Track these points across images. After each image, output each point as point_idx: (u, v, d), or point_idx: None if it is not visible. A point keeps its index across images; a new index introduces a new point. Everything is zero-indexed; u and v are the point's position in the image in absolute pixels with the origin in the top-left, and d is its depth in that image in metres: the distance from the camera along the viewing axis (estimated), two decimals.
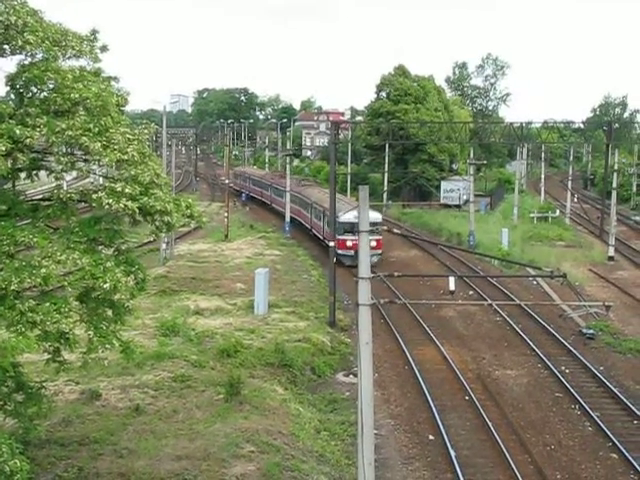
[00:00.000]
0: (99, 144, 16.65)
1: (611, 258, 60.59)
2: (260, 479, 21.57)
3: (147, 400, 26.81)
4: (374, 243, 50.11)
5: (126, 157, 17.03)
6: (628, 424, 28.45)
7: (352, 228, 51.65)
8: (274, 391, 28.92)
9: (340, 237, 52.32)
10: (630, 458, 25.18)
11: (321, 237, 65.28)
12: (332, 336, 37.51)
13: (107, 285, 16.33)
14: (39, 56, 17.53)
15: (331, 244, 41.41)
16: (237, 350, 32.06)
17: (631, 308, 45.45)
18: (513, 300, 44.78)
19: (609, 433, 27.08)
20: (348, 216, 53.78)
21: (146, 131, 18.45)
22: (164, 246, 54.04)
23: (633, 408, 29.38)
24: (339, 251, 50.63)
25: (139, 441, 23.29)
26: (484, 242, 63.33)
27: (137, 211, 17.08)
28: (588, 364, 34.31)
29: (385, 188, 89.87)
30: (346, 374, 32.80)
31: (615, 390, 31.28)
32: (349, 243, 54.42)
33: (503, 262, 55.23)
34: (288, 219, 72.36)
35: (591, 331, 39.54)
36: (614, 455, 25.74)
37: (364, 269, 17.16)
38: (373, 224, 53.95)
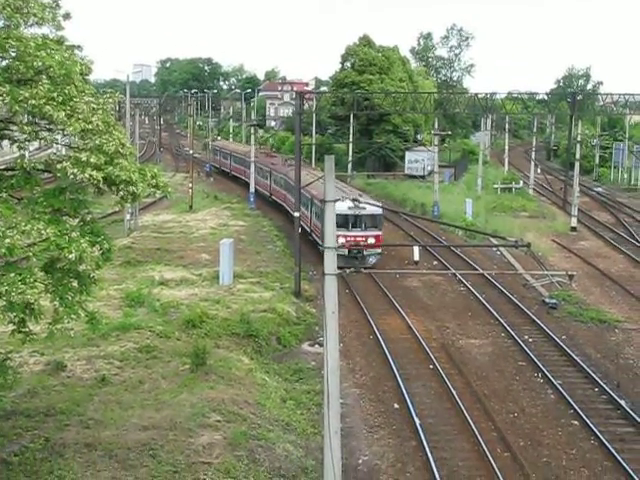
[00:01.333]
0: (63, 113, 16.48)
1: (574, 229, 61.18)
2: (226, 448, 21.67)
3: (113, 371, 26.77)
4: (372, 240, 45.12)
5: (90, 126, 16.89)
6: (589, 392, 28.88)
7: (346, 222, 44.80)
8: (240, 361, 29.00)
9: None
10: (591, 424, 25.60)
11: (308, 230, 53.57)
12: (297, 306, 37.62)
13: (72, 255, 16.23)
14: (0, 23, 17.28)
15: (296, 214, 41.34)
16: (202, 320, 32.06)
17: (593, 278, 46.01)
18: (477, 270, 45.16)
19: (571, 400, 27.48)
20: (341, 206, 39.15)
21: (111, 100, 18.28)
22: (128, 217, 53.74)
23: (594, 376, 29.81)
24: None
25: (105, 411, 23.28)
26: (448, 213, 63.66)
27: (102, 181, 16.97)
28: (551, 333, 34.73)
29: (350, 158, 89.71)
30: (312, 344, 32.94)
31: (577, 358, 31.71)
32: (341, 240, 41.13)
33: (467, 232, 55.57)
34: (252, 189, 72.08)
35: (554, 301, 39.99)
36: (575, 422, 26.14)
37: (330, 239, 17.19)
38: (372, 216, 46.16)
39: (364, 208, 41.87)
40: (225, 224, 58.76)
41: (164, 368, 27.26)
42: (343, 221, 44.01)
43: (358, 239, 44.71)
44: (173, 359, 28.05)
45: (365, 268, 40.53)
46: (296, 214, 41.40)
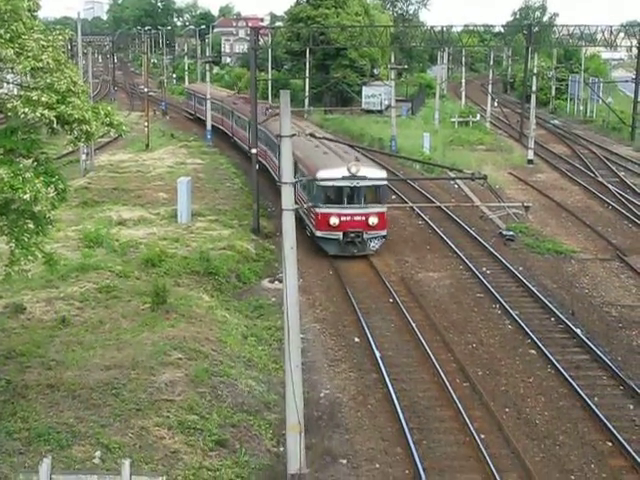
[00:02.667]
0: (11, 51, 16.14)
1: (530, 161, 61.59)
2: (189, 385, 21.79)
3: (73, 312, 26.68)
4: (375, 219, 35.67)
5: (41, 64, 16.57)
6: (546, 321, 29.37)
7: (340, 196, 35.59)
8: (200, 299, 29.04)
9: (320, 209, 35.05)
10: (547, 353, 26.10)
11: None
12: (256, 243, 37.65)
13: (27, 196, 16.05)
14: None
15: (253, 151, 41.05)
16: (162, 259, 31.97)
17: (549, 210, 46.51)
18: (434, 203, 45.38)
19: (528, 330, 27.94)
20: (333, 175, 33.94)
21: (61, 37, 17.89)
22: (84, 157, 53.09)
23: (551, 306, 30.30)
24: (318, 233, 35.71)
25: (66, 352, 23.25)
26: (406, 147, 63.69)
27: (55, 120, 16.70)
28: (508, 265, 35.14)
29: (306, 94, 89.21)
30: (271, 280, 33.05)
31: (534, 289, 32.16)
32: (334, 220, 35.04)
33: (425, 166, 55.72)
34: (209, 127, 71.41)
35: (511, 233, 40.39)
36: (532, 351, 26.62)
37: (287, 174, 17.15)
38: (374, 188, 36.14)
39: (364, 177, 31.98)
40: (182, 162, 58.32)
41: (124, 308, 27.22)
42: (336, 195, 35.65)
43: (356, 219, 35.53)
44: (133, 298, 27.99)
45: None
46: (253, 151, 41.13)
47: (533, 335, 27.55)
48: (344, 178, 31.47)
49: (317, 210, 35.21)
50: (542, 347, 26.57)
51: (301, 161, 37.73)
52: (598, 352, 26.20)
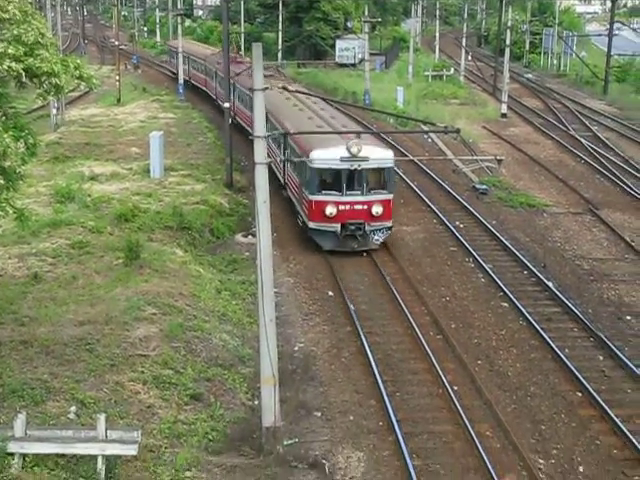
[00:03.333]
0: None
1: (504, 115, 61.58)
2: (163, 340, 21.82)
3: (45, 268, 26.53)
4: (379, 209, 30.55)
5: (7, 16, 16.27)
6: (518, 274, 29.59)
7: (338, 180, 30.31)
8: (174, 254, 28.96)
9: (313, 197, 30.38)
10: (519, 306, 26.32)
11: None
12: (230, 198, 37.51)
13: None
14: None
15: (226, 105, 40.71)
16: (134, 214, 31.79)
17: (522, 164, 46.65)
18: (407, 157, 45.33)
19: (500, 284, 28.14)
20: (330, 155, 30.07)
21: None
22: (55, 112, 52.42)
23: (523, 259, 30.50)
24: (312, 224, 30.79)
25: (40, 308, 23.16)
26: (379, 101, 63.42)
27: (23, 73, 16.43)
28: (481, 218, 35.28)
29: (279, 47, 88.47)
30: (245, 235, 32.98)
31: (507, 243, 32.35)
32: (331, 210, 30.12)
33: (398, 120, 55.57)
34: (182, 81, 70.69)
35: (484, 186, 40.51)
36: (505, 304, 26.84)
37: (259, 127, 17.05)
38: (378, 172, 30.71)
39: (366, 159, 29.54)
40: (154, 117, 57.74)
41: (97, 263, 27.10)
42: (334, 179, 30.48)
43: (357, 208, 30.53)
44: (106, 254, 27.86)
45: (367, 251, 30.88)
46: (226, 105, 40.80)
47: (505, 288, 27.75)
48: (343, 160, 29.37)
49: (310, 197, 30.41)
50: (514, 300, 26.79)
51: (292, 137, 32.38)
52: (569, 305, 26.47)
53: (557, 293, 27.45)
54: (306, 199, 30.82)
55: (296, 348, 23.65)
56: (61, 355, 20.35)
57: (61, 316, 22.56)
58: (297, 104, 39.51)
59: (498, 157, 22.90)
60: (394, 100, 62.57)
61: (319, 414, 20.16)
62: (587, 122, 59.31)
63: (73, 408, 18.23)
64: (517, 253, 31.15)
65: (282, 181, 36.12)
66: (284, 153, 34.92)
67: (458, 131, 19.67)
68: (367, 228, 30.39)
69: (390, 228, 31.27)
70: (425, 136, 52.23)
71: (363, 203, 30.37)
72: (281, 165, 36.13)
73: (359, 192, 30.24)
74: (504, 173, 43.12)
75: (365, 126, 53.79)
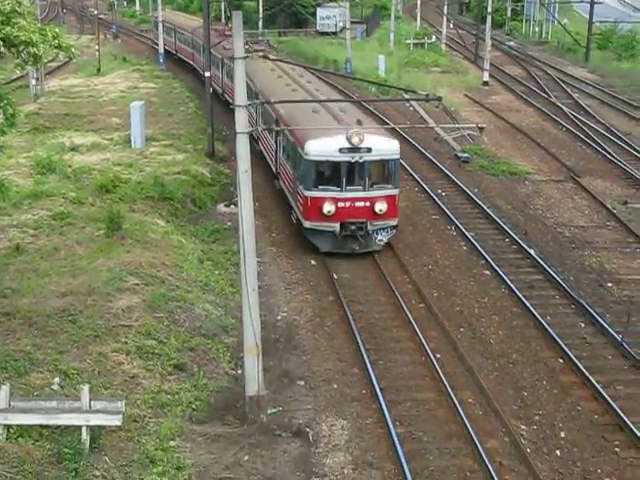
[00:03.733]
0: None
1: (486, 83, 61.46)
2: (146, 310, 21.81)
3: (27, 239, 26.42)
4: (383, 205, 27.51)
5: None
6: (500, 242, 29.69)
7: (337, 174, 27.29)
8: (155, 224, 28.87)
9: (309, 192, 27.37)
10: (501, 274, 26.44)
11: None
12: (211, 167, 37.37)
13: None
14: None
15: (207, 74, 40.40)
16: (116, 185, 31.63)
17: (504, 132, 46.65)
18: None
19: (482, 252, 28.24)
20: (328, 145, 27.04)
21: None
22: (34, 82, 51.97)
23: (505, 227, 30.60)
24: (307, 223, 27.69)
25: (22, 280, 23.08)
26: (361, 69, 63.19)
27: (0, 42, 16.28)
28: (463, 187, 35.31)
29: (260, 16, 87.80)
30: (227, 204, 32.90)
31: (489, 211, 32.42)
32: (329, 208, 27.12)
33: (380, 88, 55.38)
34: (162, 50, 70.15)
35: (466, 155, 40.52)
36: (487, 272, 26.95)
37: (240, 96, 16.96)
38: (382, 164, 27.94)
39: (368, 150, 26.94)
40: (135, 86, 57.33)
41: (79, 234, 27.00)
42: (332, 173, 27.54)
43: (359, 205, 27.57)
44: (88, 225, 27.76)
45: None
46: (207, 74, 40.52)
47: (487, 256, 27.86)
48: (343, 152, 26.80)
49: (306, 193, 27.40)
50: (496, 268, 26.90)
51: (284, 121, 30.38)
52: (551, 272, 26.61)
53: (539, 261, 27.57)
54: (301, 195, 27.83)
55: (279, 317, 23.70)
56: (44, 327, 20.32)
57: (43, 288, 22.50)
58: (282, 75, 38.33)
59: (480, 125, 22.93)
60: (375, 68, 62.34)
61: (302, 383, 20.24)
62: (569, 89, 59.28)
63: (57, 379, 18.23)
64: (499, 221, 31.23)
65: (274, 170, 33.70)
66: (276, 141, 32.48)
67: (440, 99, 19.63)
68: (369, 227, 27.51)
69: (395, 227, 28.31)
70: (407, 104, 52.11)
71: (365, 200, 27.42)
72: (273, 153, 33.68)
73: (360, 187, 27.34)
74: (486, 141, 43.14)
75: (346, 94, 53.59)
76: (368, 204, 27.40)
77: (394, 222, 28.14)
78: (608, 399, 19.42)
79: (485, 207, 32.80)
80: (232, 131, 18.69)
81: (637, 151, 41.75)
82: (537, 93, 58.31)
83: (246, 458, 16.92)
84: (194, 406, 18.59)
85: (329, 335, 22.66)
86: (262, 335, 18.70)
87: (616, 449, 17.96)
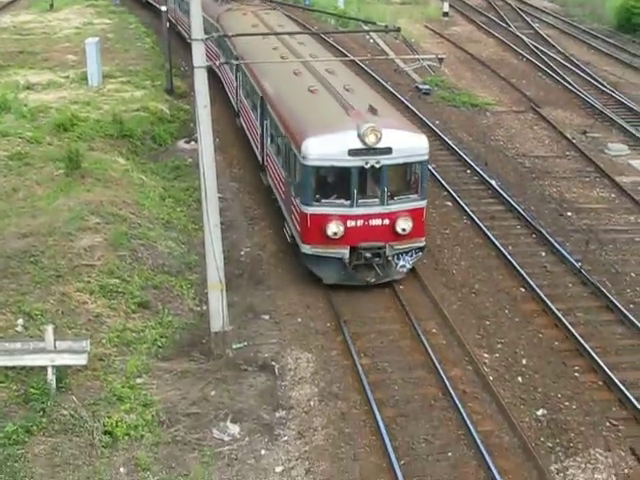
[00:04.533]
0: None
1: (446, 14, 61.00)
2: (108, 249, 21.69)
3: None
4: (407, 223, 20.97)
5: None
6: (461, 174, 29.81)
7: (346, 182, 20.55)
8: (115, 162, 28.55)
9: (310, 208, 20.73)
10: (463, 204, 26.60)
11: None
12: (170, 104, 36.90)
13: None
14: None
15: (163, 9, 39.63)
16: (74, 124, 31.13)
17: (465, 63, 46.47)
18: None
19: (444, 183, 28.34)
20: (331, 145, 20.43)
21: None
22: None
23: (466, 159, 30.68)
24: (307, 249, 21.11)
25: None
26: (320, 1, 62.40)
27: None
28: (424, 118, 35.19)
29: None
30: (187, 141, 32.61)
31: (450, 142, 32.44)
32: (335, 228, 20.66)
33: (339, 21, 54.79)
34: None
35: (427, 86, 40.38)
36: (448, 203, 27.10)
37: (197, 30, 16.70)
38: (404, 168, 21.06)
39: (388, 150, 20.17)
40: (90, 22, 56.12)
41: (38, 174, 26.62)
42: (340, 182, 20.76)
43: (375, 224, 20.90)
44: (46, 164, 27.35)
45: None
46: (163, 8, 39.79)
47: (449, 187, 27.97)
48: (354, 154, 20.03)
49: (304, 209, 20.68)
50: (458, 199, 27.04)
51: (274, 108, 24.13)
52: (512, 202, 26.81)
53: (500, 191, 27.74)
54: (297, 210, 21.18)
55: (242, 253, 23.70)
56: (5, 268, 20.14)
57: (3, 229, 22.26)
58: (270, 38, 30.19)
59: (439, 55, 22.77)
60: (335, 1, 61.61)
61: (267, 317, 20.35)
62: (529, 19, 59.02)
63: (20, 321, 18.16)
64: (460, 152, 31.29)
65: (260, 161, 27.91)
66: (263, 125, 26.44)
67: (399, 30, 19.44)
68: (389, 252, 21.01)
69: (422, 249, 21.69)
70: (367, 37, 51.65)
71: (383, 216, 20.74)
72: (259, 139, 27.58)
73: (377, 200, 20.66)
74: (446, 73, 42.99)
75: (306, 27, 52.96)
76: (387, 222, 20.76)
77: (421, 243, 21.51)
78: (568, 326, 19.77)
79: (446, 139, 32.80)
80: (191, 66, 18.47)
81: (597, 81, 41.84)
82: (497, 23, 58.01)
83: (213, 393, 17.07)
84: (159, 343, 18.65)
85: (293, 269, 22.67)
86: (226, 271, 18.69)
87: (575, 374, 18.35)
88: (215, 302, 18.23)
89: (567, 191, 28.50)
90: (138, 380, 17.20)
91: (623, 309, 20.71)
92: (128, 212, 24.19)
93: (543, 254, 23.83)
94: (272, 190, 25.68)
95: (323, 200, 20.70)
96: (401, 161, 20.69)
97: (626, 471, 15.48)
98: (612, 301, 21.10)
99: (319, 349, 18.98)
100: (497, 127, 35.29)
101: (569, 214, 26.61)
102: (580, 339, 19.25)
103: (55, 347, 16.11)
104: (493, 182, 28.51)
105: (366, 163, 20.20)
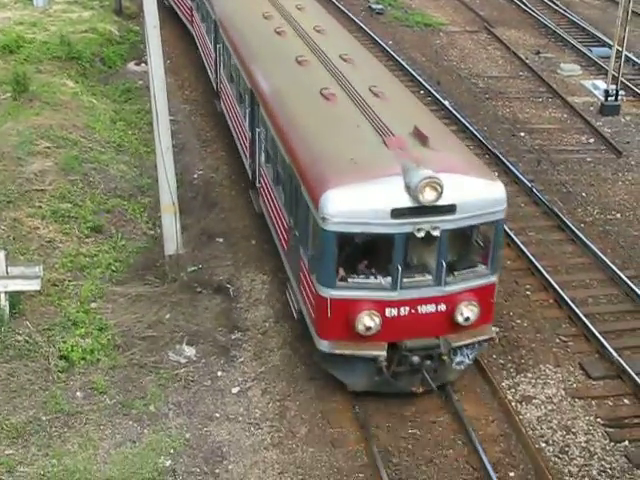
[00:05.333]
0: None
1: None
2: (59, 174, 21.43)
3: None
4: (472, 309, 14.42)
5: None
6: (415, 94, 29.42)
7: (385, 256, 13.92)
8: (64, 85, 27.93)
9: (332, 291, 13.97)
10: None
11: None
12: (120, 25, 35.98)
13: None
14: None
15: None
16: (20, 45, 30.30)
17: None
18: None
19: None
20: (365, 202, 13.49)
21: None
22: None
23: (419, 79, 30.56)
24: (326, 345, 14.40)
25: None
26: None
27: None
28: (377, 39, 34.86)
29: None
30: (137, 63, 31.96)
31: (403, 63, 32.22)
32: (369, 321, 13.90)
33: None
34: None
35: (380, 6, 39.92)
36: None
37: None
38: (471, 229, 14.75)
39: (450, 209, 13.74)
40: None
41: None
42: (377, 255, 14.44)
43: (425, 312, 14.40)
44: None
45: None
46: None
47: None
48: (398, 216, 13.60)
49: (323, 292, 14.25)
50: None
51: (271, 117, 17.47)
52: (465, 123, 26.86)
53: (453, 112, 27.73)
54: (313, 291, 14.63)
55: (195, 176, 23.52)
56: None
57: None
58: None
59: None
60: None
61: (221, 240, 20.32)
62: None
63: None
64: (414, 73, 31.12)
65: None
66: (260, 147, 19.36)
67: None
68: (444, 348, 14.57)
69: (489, 340, 15.61)
70: None
71: (439, 301, 14.42)
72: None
73: (431, 279, 14.31)
74: None
75: None
76: (444, 308, 14.44)
77: (489, 332, 15.26)
78: (520, 245, 20.06)
79: (400, 59, 32.58)
80: None
81: (550, 0, 41.66)
82: None
83: (168, 316, 17.12)
84: (114, 267, 18.60)
85: (247, 192, 22.56)
86: (179, 194, 18.60)
87: (527, 292, 18.71)
88: (168, 225, 18.17)
89: (520, 111, 28.60)
90: (93, 305, 17.19)
91: (574, 228, 21.05)
92: (79, 136, 23.83)
93: (496, 174, 23.85)
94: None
95: (350, 280, 14.20)
96: (468, 223, 14.13)
97: (575, 386, 15.92)
98: (563, 220, 21.41)
99: (274, 271, 19.02)
100: (450, 47, 35.11)
101: (522, 134, 26.75)
102: (532, 258, 19.56)
103: (7, 273, 16.01)
104: (447, 102, 28.48)
105: (418, 230, 13.54)
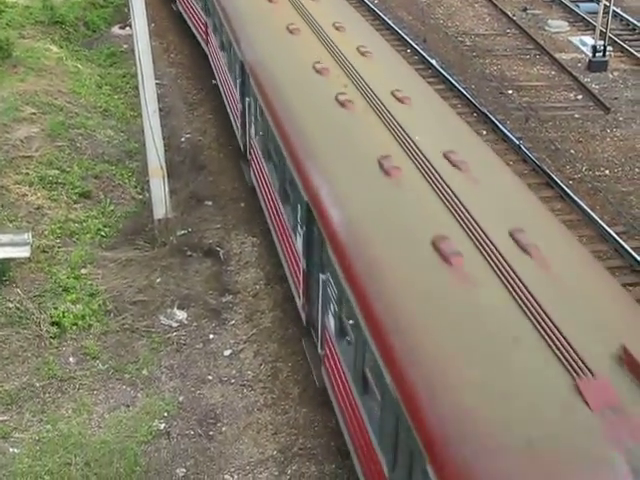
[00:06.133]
0: None
1: None
2: (46, 140, 21.30)
3: None
4: None
5: None
6: (402, 53, 29.27)
7: None
8: (48, 50, 27.66)
9: None
10: None
11: None
12: None
13: None
14: None
15: None
16: (1, 10, 29.98)
17: None
18: None
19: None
20: None
21: None
22: None
23: (406, 38, 30.39)
24: None
25: None
26: None
27: None
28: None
29: None
30: (122, 26, 31.65)
31: (390, 22, 31.96)
32: None
33: None
34: None
35: None
36: None
37: None
38: None
39: None
40: None
41: None
42: None
43: None
44: None
45: None
46: None
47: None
48: None
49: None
50: None
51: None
52: (452, 81, 26.76)
53: (440, 70, 27.61)
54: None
55: (183, 139, 23.42)
56: None
57: None
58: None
59: None
60: None
61: (210, 203, 20.30)
62: None
63: None
64: (400, 32, 30.92)
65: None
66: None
67: None
68: None
69: None
70: None
71: None
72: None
73: None
74: None
75: None
76: None
77: None
78: None
79: (386, 18, 32.33)
80: None
81: None
82: None
83: (159, 280, 17.13)
84: (103, 233, 18.56)
85: (235, 154, 22.42)
86: (167, 158, 18.55)
87: None
88: (157, 189, 18.13)
89: (508, 69, 28.49)
90: (83, 270, 17.18)
91: (563, 185, 21.06)
92: (64, 101, 23.66)
93: (484, 132, 23.93)
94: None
95: None
96: None
97: None
98: (552, 178, 21.41)
99: (264, 233, 18.99)
100: (437, 5, 34.83)
101: (510, 92, 26.67)
102: None
103: None
104: (434, 61, 28.34)
105: None
